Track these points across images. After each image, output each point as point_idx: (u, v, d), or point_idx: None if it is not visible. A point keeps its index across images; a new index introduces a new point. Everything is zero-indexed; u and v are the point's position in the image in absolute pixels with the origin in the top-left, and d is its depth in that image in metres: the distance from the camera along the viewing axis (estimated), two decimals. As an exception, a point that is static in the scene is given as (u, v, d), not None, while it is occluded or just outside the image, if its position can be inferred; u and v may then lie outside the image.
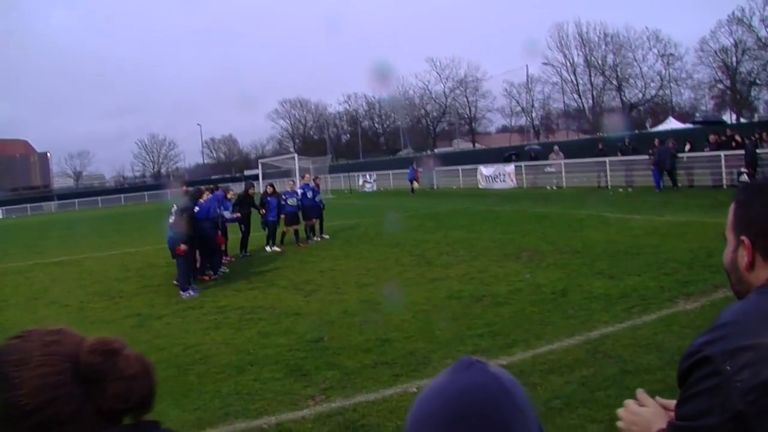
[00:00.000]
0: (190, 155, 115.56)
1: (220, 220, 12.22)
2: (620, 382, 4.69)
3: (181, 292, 9.97)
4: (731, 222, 1.33)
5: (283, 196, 14.99)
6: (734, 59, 54.92)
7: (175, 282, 10.58)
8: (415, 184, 32.78)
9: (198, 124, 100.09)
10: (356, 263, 11.84)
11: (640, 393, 1.42)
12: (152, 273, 12.64)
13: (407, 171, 34.22)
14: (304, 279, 10.64)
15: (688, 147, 21.36)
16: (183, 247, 10.01)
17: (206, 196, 11.87)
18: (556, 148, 27.91)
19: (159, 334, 7.71)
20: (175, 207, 10.79)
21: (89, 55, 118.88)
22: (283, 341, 6.89)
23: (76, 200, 67.22)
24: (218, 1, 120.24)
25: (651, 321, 6.31)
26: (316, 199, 15.81)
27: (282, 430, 4.59)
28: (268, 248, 14.41)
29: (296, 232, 15.16)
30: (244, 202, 14.13)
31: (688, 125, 31.64)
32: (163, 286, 11.11)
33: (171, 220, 10.50)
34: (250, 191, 14.44)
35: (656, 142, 21.80)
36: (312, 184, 16.00)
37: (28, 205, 64.13)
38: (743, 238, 1.28)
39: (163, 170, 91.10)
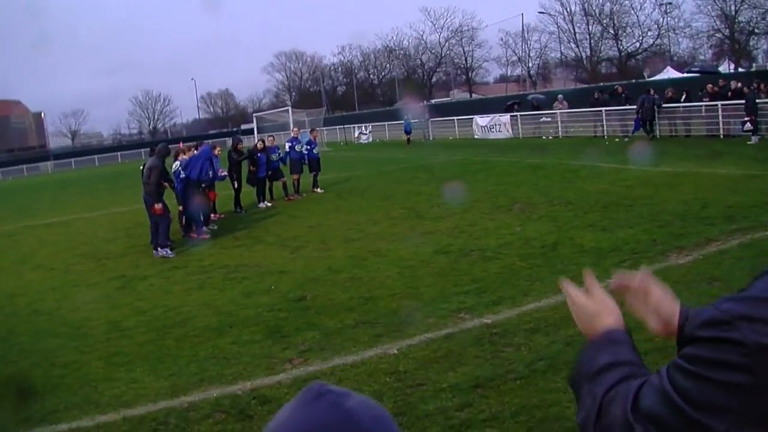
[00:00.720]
0: (187, 111, 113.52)
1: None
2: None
3: (154, 251, 9.89)
4: None
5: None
6: (733, 8, 53.66)
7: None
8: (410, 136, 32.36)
9: (192, 79, 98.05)
10: (346, 217, 11.63)
11: (588, 275, 1.19)
12: (140, 232, 12.28)
13: (402, 122, 33.76)
14: (292, 235, 10.45)
15: (684, 96, 20.87)
16: (158, 206, 9.84)
17: (189, 154, 11.36)
18: (560, 97, 26.89)
19: (141, 296, 7.59)
20: (177, 164, 10.60)
21: (80, 13, 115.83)
22: (265, 301, 6.76)
23: (73, 159, 66.41)
24: None
25: (642, 276, 6.12)
26: (314, 152, 15.59)
27: (257, 396, 4.44)
28: (261, 205, 14.15)
29: (284, 185, 14.89)
30: (233, 157, 13.77)
31: (685, 74, 30.87)
32: (150, 246, 10.81)
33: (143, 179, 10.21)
34: (239, 147, 14.08)
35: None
36: (300, 137, 15.67)
37: (24, 166, 63.23)
38: None
39: (159, 126, 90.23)
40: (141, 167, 10.93)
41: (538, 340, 4.81)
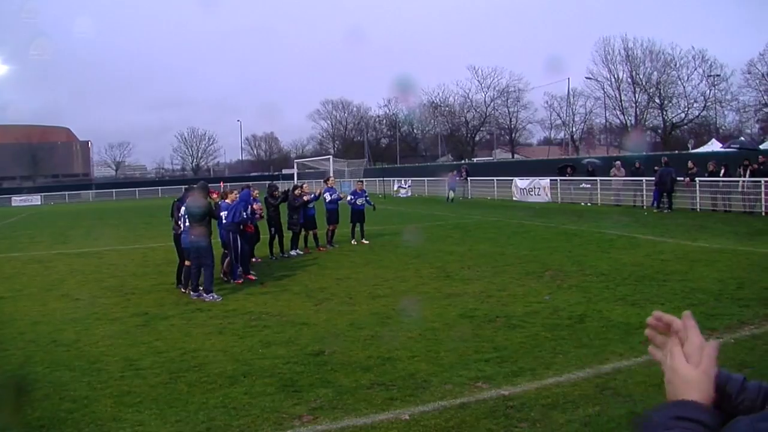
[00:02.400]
0: (231, 151, 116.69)
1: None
2: (626, 426, 4.34)
3: (193, 293, 9.85)
4: None
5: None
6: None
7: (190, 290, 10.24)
8: (451, 194, 32.37)
9: (238, 121, 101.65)
10: (374, 272, 11.58)
11: (690, 323, 1.14)
12: (170, 270, 12.29)
13: (445, 179, 34.00)
14: (319, 286, 10.44)
15: (723, 171, 20.55)
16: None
17: (232, 197, 11.44)
18: (617, 163, 26.09)
19: (161, 336, 7.59)
20: (183, 208, 10.34)
21: (132, 51, 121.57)
22: (282, 352, 6.71)
23: (114, 190, 68.52)
24: (260, 1, 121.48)
25: (670, 357, 5.91)
26: (358, 203, 15.81)
27: (261, 452, 4.38)
28: (293, 252, 14.28)
29: (315, 236, 15.01)
30: (270, 203, 13.97)
31: (724, 148, 30.38)
32: (173, 286, 10.99)
33: (187, 224, 10.14)
34: (275, 193, 14.31)
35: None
36: (335, 187, 15.90)
37: (67, 193, 65.54)
38: None
39: (202, 164, 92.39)
40: (172, 203, 11.02)
41: (554, 417, 4.65)
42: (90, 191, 68.28)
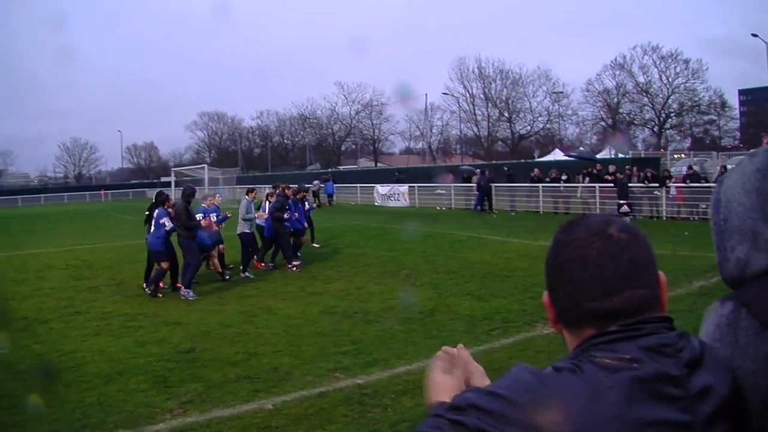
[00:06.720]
0: (111, 160, 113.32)
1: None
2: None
3: (183, 290, 9.84)
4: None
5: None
6: (616, 100, 59.71)
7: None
8: (319, 200, 32.57)
9: (119, 131, 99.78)
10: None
11: (463, 352, 1.22)
12: (49, 275, 12.43)
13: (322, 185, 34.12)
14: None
15: (565, 177, 22.69)
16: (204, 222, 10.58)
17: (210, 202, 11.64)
18: (478, 171, 28.04)
19: (40, 340, 7.60)
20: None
21: (10, 57, 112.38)
22: (156, 350, 6.90)
23: (-7, 198, 64.70)
24: (140, 15, 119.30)
25: (508, 344, 6.55)
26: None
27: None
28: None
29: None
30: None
31: (566, 157, 33.55)
32: (56, 289, 10.90)
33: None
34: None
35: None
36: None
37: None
38: (545, 291, 1.11)
39: (84, 173, 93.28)
40: (146, 211, 10.69)
41: (404, 402, 5.04)
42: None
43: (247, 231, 11.79)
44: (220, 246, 11.61)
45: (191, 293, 9.72)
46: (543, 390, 0.93)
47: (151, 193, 14.49)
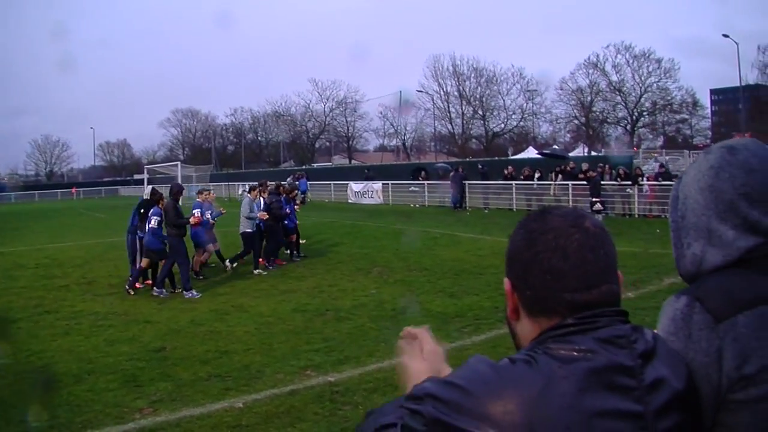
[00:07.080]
0: (84, 157, 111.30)
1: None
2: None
3: (185, 292, 9.63)
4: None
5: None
6: (589, 99, 60.45)
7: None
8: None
9: (91, 128, 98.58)
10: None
11: (425, 333, 1.23)
12: (18, 274, 12.21)
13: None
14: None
15: (538, 175, 22.90)
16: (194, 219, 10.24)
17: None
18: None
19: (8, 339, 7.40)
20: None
21: None
22: (126, 349, 6.80)
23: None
24: (113, 12, 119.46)
25: (480, 341, 6.58)
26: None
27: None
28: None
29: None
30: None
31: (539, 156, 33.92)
32: (26, 288, 10.68)
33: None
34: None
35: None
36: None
37: None
38: (506, 279, 1.10)
39: (56, 170, 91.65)
40: (140, 209, 10.44)
41: (375, 400, 5.01)
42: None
43: (250, 230, 11.69)
44: (209, 246, 11.55)
45: (194, 292, 9.60)
46: (498, 381, 0.94)
47: (124, 191, 14.25)
